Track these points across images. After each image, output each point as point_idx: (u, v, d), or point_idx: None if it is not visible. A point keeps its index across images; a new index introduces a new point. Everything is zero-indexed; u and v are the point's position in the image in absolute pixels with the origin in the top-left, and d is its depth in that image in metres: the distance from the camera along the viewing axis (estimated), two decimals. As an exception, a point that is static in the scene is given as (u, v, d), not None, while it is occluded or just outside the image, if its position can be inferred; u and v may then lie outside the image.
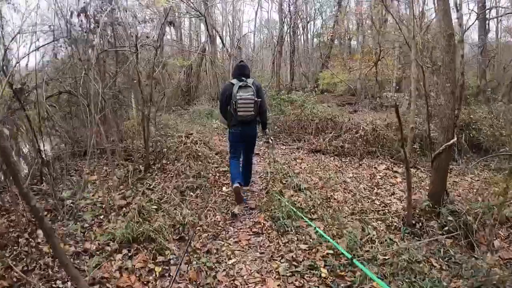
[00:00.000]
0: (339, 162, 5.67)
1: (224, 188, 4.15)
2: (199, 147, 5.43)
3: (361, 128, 6.21)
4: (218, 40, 16.36)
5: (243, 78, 3.57)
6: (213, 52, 12.81)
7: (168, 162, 4.65)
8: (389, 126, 6.50)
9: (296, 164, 5.26)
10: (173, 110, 11.71)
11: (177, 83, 14.99)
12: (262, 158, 5.72)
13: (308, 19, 19.74)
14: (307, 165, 5.23)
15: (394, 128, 6.38)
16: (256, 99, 3.49)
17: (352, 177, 4.93)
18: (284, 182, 4.25)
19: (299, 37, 19.69)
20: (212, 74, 12.11)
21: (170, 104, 13.13)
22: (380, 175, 5.16)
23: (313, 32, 20.92)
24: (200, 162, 4.81)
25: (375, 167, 5.51)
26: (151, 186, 3.94)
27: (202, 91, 15.40)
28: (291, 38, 16.90)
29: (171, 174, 4.30)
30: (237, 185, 3.52)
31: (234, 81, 3.57)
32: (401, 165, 5.54)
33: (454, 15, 3.60)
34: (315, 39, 20.79)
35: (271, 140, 5.18)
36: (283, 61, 17.62)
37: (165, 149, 4.92)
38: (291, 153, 6.01)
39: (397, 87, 13.30)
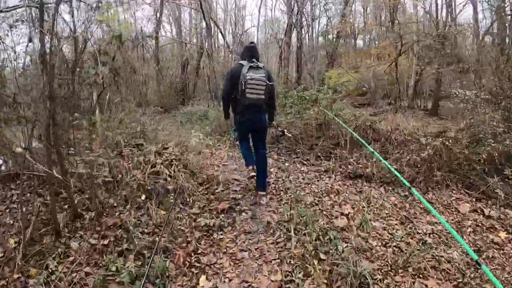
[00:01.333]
0: (396, 196, 3.59)
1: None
2: (173, 172, 3.39)
3: (422, 142, 4.12)
4: (220, 37, 14.51)
5: (253, 59, 3.16)
6: (211, 45, 10.68)
7: (107, 211, 2.58)
8: (458, 140, 4.37)
9: (331, 204, 3.20)
10: (166, 111, 9.82)
11: (169, 79, 13.11)
12: (273, 187, 3.64)
13: (313, 17, 18.54)
14: (352, 206, 3.16)
15: (465, 141, 4.27)
16: (268, 82, 3.12)
17: (432, 233, 2.85)
18: (323, 256, 2.18)
19: (303, 35, 18.06)
20: (210, 69, 10.03)
21: (165, 103, 11.29)
22: (469, 224, 3.10)
23: (318, 30, 19.97)
24: (167, 206, 2.76)
25: (455, 208, 3.43)
26: (52, 276, 1.89)
27: (201, 89, 13.41)
28: (298, 34, 15.07)
29: (106, 238, 2.25)
30: (254, 174, 3.32)
31: (244, 62, 3.17)
32: (491, 204, 3.48)
33: None
34: (320, 38, 19.71)
35: (285, 131, 4.41)
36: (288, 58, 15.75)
37: (109, 181, 2.86)
38: (317, 179, 3.93)
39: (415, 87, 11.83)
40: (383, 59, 13.12)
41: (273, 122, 3.60)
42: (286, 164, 4.31)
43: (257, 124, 3.28)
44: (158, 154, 3.76)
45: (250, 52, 3.24)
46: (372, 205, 3.22)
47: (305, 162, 4.51)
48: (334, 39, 15.94)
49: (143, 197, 2.82)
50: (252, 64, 3.09)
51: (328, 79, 14.22)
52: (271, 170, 4.09)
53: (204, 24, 10.98)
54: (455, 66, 11.41)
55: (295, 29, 14.45)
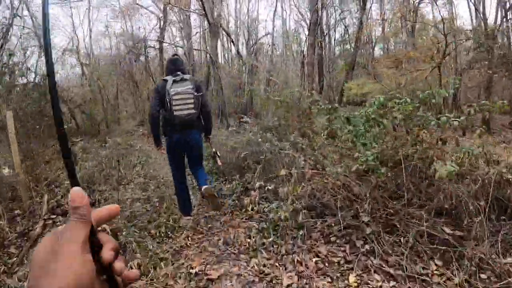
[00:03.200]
0: None
1: None
2: None
3: None
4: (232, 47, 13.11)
5: (178, 73, 2.93)
6: (215, 49, 9.12)
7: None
8: None
9: None
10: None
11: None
12: None
13: (328, 27, 18.10)
14: None
15: None
16: (195, 93, 2.86)
17: None
18: None
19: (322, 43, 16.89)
20: (215, 79, 8.48)
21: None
22: None
23: (335, 40, 19.31)
24: None
25: None
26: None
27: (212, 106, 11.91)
28: (320, 43, 13.74)
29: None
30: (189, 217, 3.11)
31: (168, 77, 2.94)
32: None
33: None
34: (336, 48, 19.18)
35: (218, 155, 3.48)
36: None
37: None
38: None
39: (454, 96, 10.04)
40: (417, 64, 11.60)
41: (209, 136, 3.33)
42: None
43: (190, 143, 3.01)
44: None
45: (173, 66, 3.03)
46: None
47: (393, 276, 2.13)
48: (352, 49, 15.04)
49: None
50: (175, 78, 2.89)
51: (348, 90, 13.15)
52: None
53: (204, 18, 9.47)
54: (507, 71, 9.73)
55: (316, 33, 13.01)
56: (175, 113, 2.80)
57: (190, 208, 3.18)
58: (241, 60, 13.80)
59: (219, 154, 3.50)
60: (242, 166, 4.29)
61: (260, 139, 4.34)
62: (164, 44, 13.13)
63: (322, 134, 3.76)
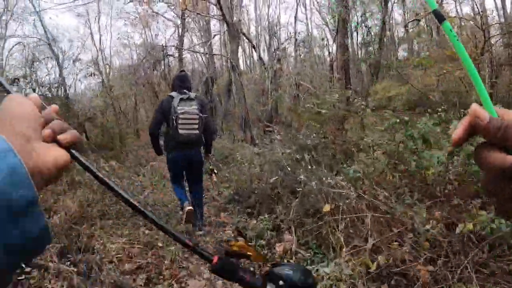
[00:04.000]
0: None
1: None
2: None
3: None
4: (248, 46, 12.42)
5: (184, 90, 2.96)
6: (235, 52, 8.26)
7: None
8: None
9: None
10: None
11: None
12: None
13: (351, 29, 17.09)
14: None
15: None
16: (201, 114, 2.91)
17: None
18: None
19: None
20: (237, 86, 7.66)
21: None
22: None
23: (357, 42, 18.43)
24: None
25: None
26: None
27: (233, 117, 11.14)
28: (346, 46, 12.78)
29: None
30: (190, 207, 2.92)
31: (174, 93, 2.97)
32: None
33: None
34: (359, 51, 18.26)
35: (215, 172, 3.70)
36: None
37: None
38: None
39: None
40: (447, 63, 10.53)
41: (210, 154, 3.40)
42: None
43: (191, 160, 3.05)
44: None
45: (181, 82, 3.03)
46: None
47: None
48: (376, 50, 14.02)
49: None
50: (182, 96, 2.89)
51: (374, 94, 12.46)
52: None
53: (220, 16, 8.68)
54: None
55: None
56: (180, 131, 2.83)
57: (187, 198, 3.10)
58: (263, 66, 13.03)
59: (216, 171, 3.69)
60: (271, 195, 3.39)
61: (293, 162, 3.41)
62: (184, 52, 12.59)
63: (379, 157, 2.76)
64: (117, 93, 8.36)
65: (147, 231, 3.09)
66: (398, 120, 2.38)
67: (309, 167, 3.13)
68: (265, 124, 9.76)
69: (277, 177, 3.42)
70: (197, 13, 11.13)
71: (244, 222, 3.21)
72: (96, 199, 3.22)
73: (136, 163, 6.80)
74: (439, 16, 0.36)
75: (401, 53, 18.24)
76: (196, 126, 2.89)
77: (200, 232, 3.07)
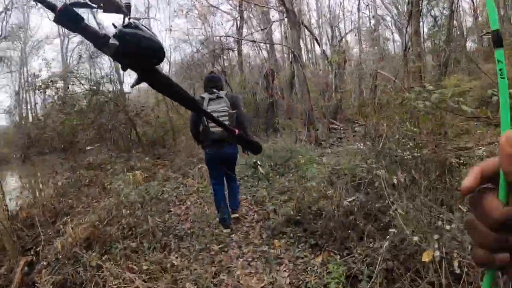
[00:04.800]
0: None
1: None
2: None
3: None
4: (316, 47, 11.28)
5: (214, 90, 3.06)
6: (296, 41, 7.17)
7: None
8: None
9: None
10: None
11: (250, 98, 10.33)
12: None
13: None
14: None
15: None
16: (230, 111, 2.94)
17: None
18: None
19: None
20: (299, 79, 6.67)
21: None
22: None
23: (423, 34, 15.72)
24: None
25: None
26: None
27: (295, 111, 10.18)
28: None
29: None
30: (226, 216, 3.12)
31: (205, 94, 3.08)
32: None
33: None
34: (425, 44, 15.64)
35: (259, 165, 3.97)
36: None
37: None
38: None
39: None
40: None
41: (246, 152, 3.44)
42: None
43: (225, 156, 3.13)
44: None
45: (210, 83, 3.14)
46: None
47: None
48: (444, 42, 11.64)
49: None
50: (211, 96, 3.00)
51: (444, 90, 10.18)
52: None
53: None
54: None
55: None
56: (211, 129, 2.93)
57: (228, 214, 3.15)
58: (326, 59, 11.83)
59: (259, 163, 3.96)
60: (345, 223, 2.40)
61: (376, 177, 2.37)
62: (243, 45, 12.03)
63: None
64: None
65: (177, 260, 2.39)
66: None
67: (405, 192, 2.07)
68: (330, 121, 8.62)
69: (353, 198, 2.42)
70: (255, 4, 10.45)
71: (303, 262, 2.28)
72: (120, 214, 2.63)
73: (187, 162, 6.37)
74: (497, 41, 0.31)
75: (470, 44, 16.29)
76: (227, 123, 2.82)
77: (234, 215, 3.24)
